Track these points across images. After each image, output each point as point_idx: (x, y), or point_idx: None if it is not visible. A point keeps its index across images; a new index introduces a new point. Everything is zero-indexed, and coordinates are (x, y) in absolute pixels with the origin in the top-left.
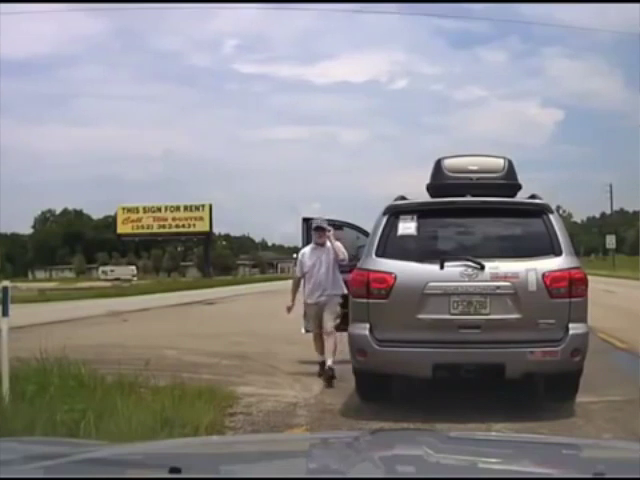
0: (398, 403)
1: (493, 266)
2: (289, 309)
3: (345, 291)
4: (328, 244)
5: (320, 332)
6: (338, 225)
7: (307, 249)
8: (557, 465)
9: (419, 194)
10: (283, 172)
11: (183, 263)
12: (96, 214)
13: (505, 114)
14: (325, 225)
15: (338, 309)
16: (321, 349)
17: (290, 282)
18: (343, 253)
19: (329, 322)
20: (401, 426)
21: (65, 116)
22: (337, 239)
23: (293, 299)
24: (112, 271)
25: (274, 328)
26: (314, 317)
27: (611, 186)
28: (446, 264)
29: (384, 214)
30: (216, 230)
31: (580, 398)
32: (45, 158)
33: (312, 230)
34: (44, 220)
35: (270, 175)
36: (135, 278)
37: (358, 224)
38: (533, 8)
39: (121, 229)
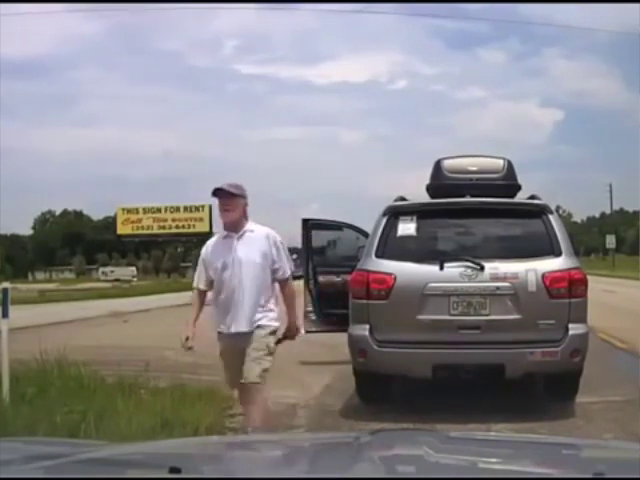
0: (398, 404)
1: (493, 267)
2: (186, 345)
3: (277, 323)
4: (252, 228)
5: (240, 384)
6: (338, 226)
7: (213, 240)
8: (557, 465)
9: (419, 195)
10: (283, 172)
11: (183, 264)
12: (96, 215)
13: (505, 114)
14: (232, 189)
15: (270, 345)
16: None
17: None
18: (283, 263)
19: (253, 369)
20: (401, 426)
21: (65, 117)
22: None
23: (193, 322)
24: (112, 272)
25: None
26: (229, 357)
27: (611, 186)
28: (446, 265)
29: (384, 215)
30: (216, 230)
31: (580, 398)
32: (45, 159)
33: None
34: (44, 221)
35: (270, 175)
36: (135, 279)
37: (358, 225)
38: (532, 8)
39: (121, 230)
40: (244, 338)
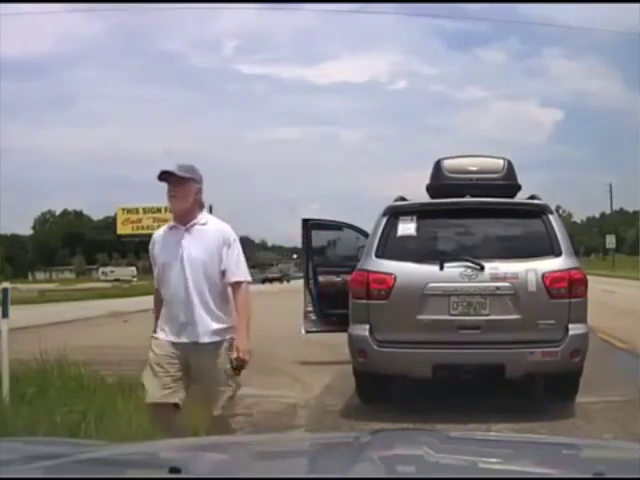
0: (398, 404)
1: (493, 267)
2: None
3: (229, 335)
4: (204, 220)
5: (172, 403)
6: (338, 226)
7: (160, 232)
8: (557, 465)
9: (419, 195)
10: (283, 172)
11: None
12: (96, 215)
13: (505, 114)
14: (182, 172)
15: (227, 366)
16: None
17: (289, 284)
18: (233, 264)
19: (216, 399)
20: (401, 426)
21: (66, 117)
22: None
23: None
24: (112, 272)
25: (272, 329)
26: (165, 365)
27: (611, 186)
28: (446, 265)
29: (384, 215)
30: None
31: (580, 398)
32: (45, 159)
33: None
34: (44, 221)
35: (270, 175)
36: (135, 279)
37: (358, 225)
38: (532, 8)
39: (121, 230)
40: (194, 351)
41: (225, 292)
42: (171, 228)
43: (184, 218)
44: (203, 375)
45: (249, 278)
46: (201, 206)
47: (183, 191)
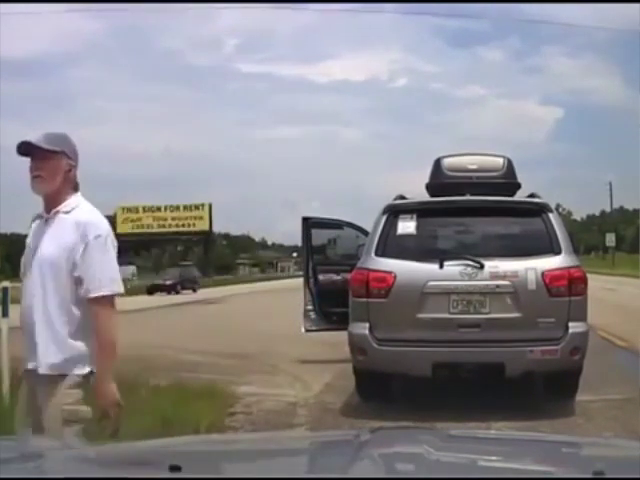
0: (398, 402)
1: (492, 265)
2: None
3: (87, 367)
4: (71, 207)
5: None
6: (338, 224)
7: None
8: (557, 463)
9: (419, 193)
10: (283, 170)
11: (183, 262)
12: None
13: (505, 112)
14: (47, 144)
15: (67, 408)
16: None
17: (287, 282)
18: (90, 271)
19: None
20: (401, 424)
21: (65, 116)
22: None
23: None
24: None
25: (274, 327)
26: (30, 403)
27: (611, 184)
28: (445, 263)
29: (383, 213)
30: (216, 229)
31: (580, 397)
32: None
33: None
34: None
35: (270, 174)
36: (135, 278)
37: (358, 223)
38: (532, 6)
39: (121, 229)
40: (38, 383)
41: (83, 307)
42: (36, 219)
43: (50, 204)
44: (36, 414)
45: (116, 289)
46: (75, 188)
47: (50, 168)
